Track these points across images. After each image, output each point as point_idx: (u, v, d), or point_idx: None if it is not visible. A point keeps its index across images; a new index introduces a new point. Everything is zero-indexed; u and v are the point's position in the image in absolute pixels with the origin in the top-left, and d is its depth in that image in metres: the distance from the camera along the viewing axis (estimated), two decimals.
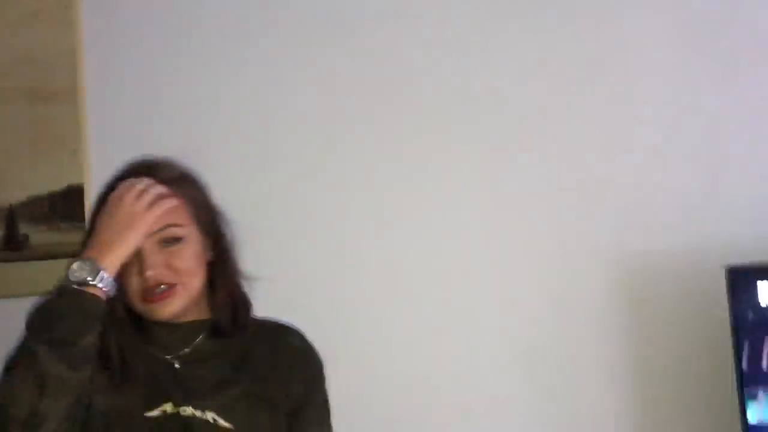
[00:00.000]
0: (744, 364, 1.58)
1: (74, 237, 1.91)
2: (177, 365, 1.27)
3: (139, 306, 1.23)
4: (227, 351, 1.29)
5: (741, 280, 1.60)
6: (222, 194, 1.36)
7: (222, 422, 1.23)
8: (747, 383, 1.58)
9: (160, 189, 1.23)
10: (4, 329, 1.89)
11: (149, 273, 1.20)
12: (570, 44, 2.00)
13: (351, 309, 2.00)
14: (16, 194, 2.05)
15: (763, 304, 1.60)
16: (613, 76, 1.99)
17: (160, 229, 1.21)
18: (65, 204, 2.02)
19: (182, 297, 1.24)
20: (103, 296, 1.14)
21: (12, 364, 1.13)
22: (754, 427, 1.55)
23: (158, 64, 2.05)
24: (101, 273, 1.14)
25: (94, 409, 1.22)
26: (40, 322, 1.15)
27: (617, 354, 1.93)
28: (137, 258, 1.21)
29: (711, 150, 1.95)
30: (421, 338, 1.99)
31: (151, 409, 1.22)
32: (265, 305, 1.36)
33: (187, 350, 1.28)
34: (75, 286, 1.14)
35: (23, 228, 2.04)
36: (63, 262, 1.81)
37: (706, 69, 1.97)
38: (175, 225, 1.23)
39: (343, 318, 1.98)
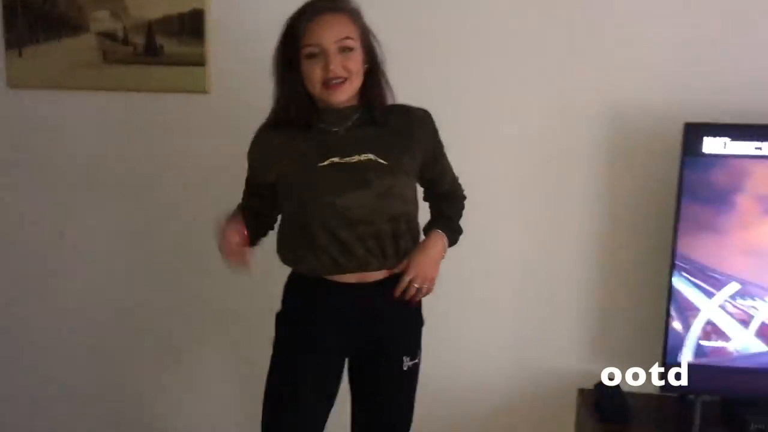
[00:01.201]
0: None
1: (197, 49, 2.28)
2: (341, 133, 1.71)
3: (319, 91, 1.66)
4: (375, 122, 1.72)
5: (694, 133, 1.95)
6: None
7: (379, 160, 1.68)
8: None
9: None
10: (143, 119, 2.36)
11: (332, 68, 1.63)
12: None
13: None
14: (154, 12, 2.31)
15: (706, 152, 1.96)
16: None
17: (341, 39, 1.63)
18: (191, 23, 2.28)
19: (350, 88, 1.67)
20: None
21: None
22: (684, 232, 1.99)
23: None
24: None
25: (282, 171, 1.71)
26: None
27: (597, 173, 2.22)
28: (323, 57, 1.63)
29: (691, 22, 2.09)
30: None
31: (323, 160, 1.68)
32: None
33: (348, 123, 1.72)
34: None
35: (159, 40, 2.31)
36: (188, 68, 2.23)
37: None
38: (350, 38, 1.65)
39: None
